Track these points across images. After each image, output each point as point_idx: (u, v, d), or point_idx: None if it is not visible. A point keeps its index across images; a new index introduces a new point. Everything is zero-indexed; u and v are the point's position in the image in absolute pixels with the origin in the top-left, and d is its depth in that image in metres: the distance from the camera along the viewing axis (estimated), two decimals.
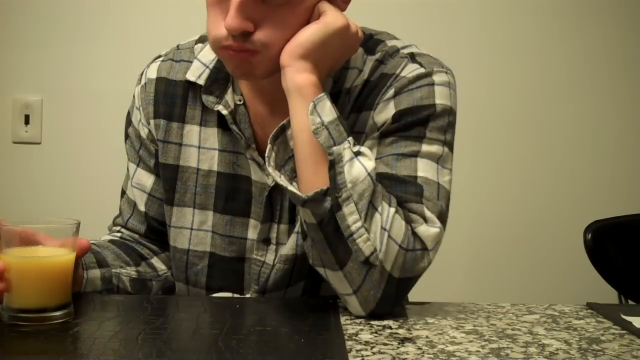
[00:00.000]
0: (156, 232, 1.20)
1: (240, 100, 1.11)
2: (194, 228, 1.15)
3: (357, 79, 1.09)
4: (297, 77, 0.98)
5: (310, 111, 0.96)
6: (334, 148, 0.95)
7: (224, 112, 1.11)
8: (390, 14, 2.14)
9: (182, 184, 1.15)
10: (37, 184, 2.18)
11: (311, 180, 0.97)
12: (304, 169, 0.98)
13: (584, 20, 2.23)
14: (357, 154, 0.96)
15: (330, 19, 1.00)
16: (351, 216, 0.94)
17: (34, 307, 0.89)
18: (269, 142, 0.99)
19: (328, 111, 0.97)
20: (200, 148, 1.14)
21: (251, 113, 1.12)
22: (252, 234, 1.13)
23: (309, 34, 0.99)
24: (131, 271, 1.15)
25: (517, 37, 2.22)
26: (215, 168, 1.13)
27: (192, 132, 1.14)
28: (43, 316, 0.89)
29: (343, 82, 1.09)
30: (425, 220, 0.98)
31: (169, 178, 1.16)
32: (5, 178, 2.19)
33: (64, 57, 2.16)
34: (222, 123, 1.13)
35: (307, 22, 1.01)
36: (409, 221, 0.97)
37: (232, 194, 1.13)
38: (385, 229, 0.95)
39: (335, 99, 1.08)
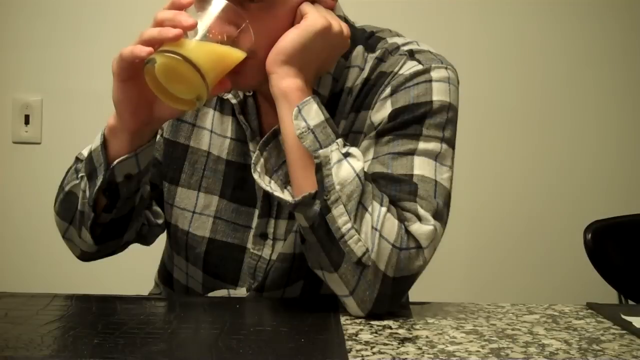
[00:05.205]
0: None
1: (249, 92, 1.12)
2: (197, 212, 1.15)
3: (358, 77, 1.09)
4: (282, 83, 0.99)
5: (294, 116, 0.97)
6: (320, 151, 0.95)
7: (233, 101, 1.12)
8: (390, 14, 2.14)
9: (190, 165, 1.15)
10: (37, 184, 2.18)
11: (301, 184, 0.97)
12: (294, 173, 0.98)
13: (585, 20, 2.22)
14: (346, 155, 0.96)
15: (310, 21, 0.99)
16: (341, 218, 0.94)
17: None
18: (257, 149, 1.00)
19: (314, 114, 0.97)
20: (213, 133, 1.15)
21: (262, 108, 1.12)
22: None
23: (289, 40, 0.99)
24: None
25: (518, 37, 2.22)
26: (224, 156, 1.14)
27: (206, 115, 1.15)
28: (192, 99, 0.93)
29: (345, 81, 1.09)
30: (419, 218, 0.98)
31: (177, 157, 1.16)
32: (5, 178, 2.19)
33: (64, 57, 2.16)
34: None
35: (292, 24, 1.01)
36: (402, 220, 0.97)
37: (240, 183, 1.13)
38: (376, 229, 0.94)
39: (337, 98, 1.08)
